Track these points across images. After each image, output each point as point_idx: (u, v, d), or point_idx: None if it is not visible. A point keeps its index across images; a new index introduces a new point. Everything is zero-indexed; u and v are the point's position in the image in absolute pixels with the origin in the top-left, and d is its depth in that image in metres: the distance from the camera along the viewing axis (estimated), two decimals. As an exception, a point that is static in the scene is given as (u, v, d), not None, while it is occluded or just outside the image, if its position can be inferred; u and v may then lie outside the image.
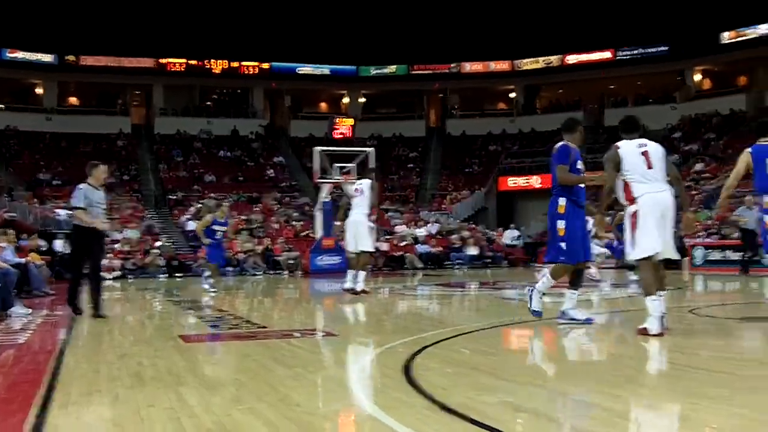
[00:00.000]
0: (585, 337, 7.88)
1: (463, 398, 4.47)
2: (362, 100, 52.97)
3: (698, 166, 37.42)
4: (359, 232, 14.43)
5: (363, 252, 14.49)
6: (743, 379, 5.30)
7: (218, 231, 17.63)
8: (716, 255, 24.18)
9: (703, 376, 5.44)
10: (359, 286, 14.27)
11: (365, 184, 14.78)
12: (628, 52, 48.80)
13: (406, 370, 5.52)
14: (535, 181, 45.09)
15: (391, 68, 51.68)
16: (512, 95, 53.20)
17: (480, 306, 13.44)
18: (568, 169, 8.33)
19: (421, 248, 31.83)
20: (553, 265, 8.40)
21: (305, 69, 50.93)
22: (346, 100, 53.09)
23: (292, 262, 28.81)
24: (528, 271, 27.56)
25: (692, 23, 44.36)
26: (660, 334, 7.07)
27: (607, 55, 49.28)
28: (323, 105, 54.37)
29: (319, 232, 28.16)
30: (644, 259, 7.40)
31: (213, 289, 16.74)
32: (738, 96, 45.38)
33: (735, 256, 22.27)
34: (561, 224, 8.34)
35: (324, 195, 27.94)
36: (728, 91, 46.42)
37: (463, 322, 9.33)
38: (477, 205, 43.46)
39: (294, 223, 35.50)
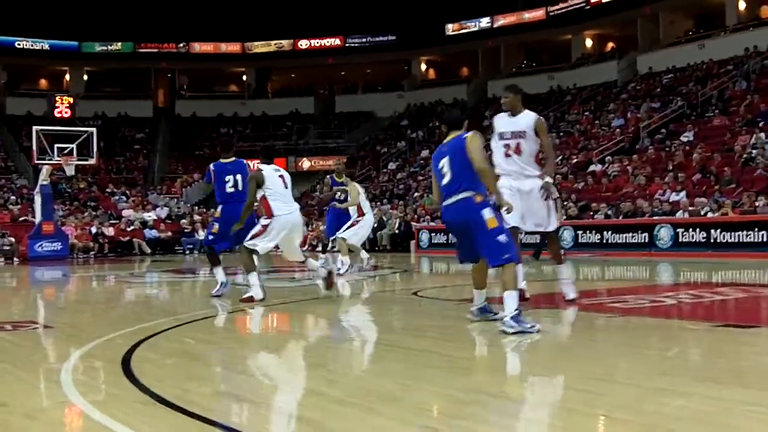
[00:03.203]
0: (313, 322, 8.06)
1: (179, 390, 4.45)
2: (85, 77, 50.67)
3: (424, 153, 39.19)
4: None
5: None
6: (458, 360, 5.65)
7: None
8: (441, 238, 25.22)
9: (424, 357, 5.73)
10: None
11: None
12: (357, 40, 50.14)
13: (124, 362, 5.40)
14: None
15: (117, 45, 49.78)
16: (244, 78, 53.02)
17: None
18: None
19: (149, 233, 31.03)
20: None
21: (23, 43, 47.88)
22: (67, 77, 50.55)
23: (8, 248, 27.11)
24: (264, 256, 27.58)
25: (419, 14, 46.27)
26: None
27: (337, 42, 50.34)
28: (43, 82, 51.44)
29: (38, 217, 26.65)
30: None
31: None
32: (461, 86, 48.01)
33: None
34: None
35: (43, 177, 26.44)
36: (452, 81, 49.04)
37: (191, 310, 9.22)
38: (209, 189, 42.98)
39: (10, 206, 33.40)
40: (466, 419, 3.79)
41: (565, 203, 22.52)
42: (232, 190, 10.16)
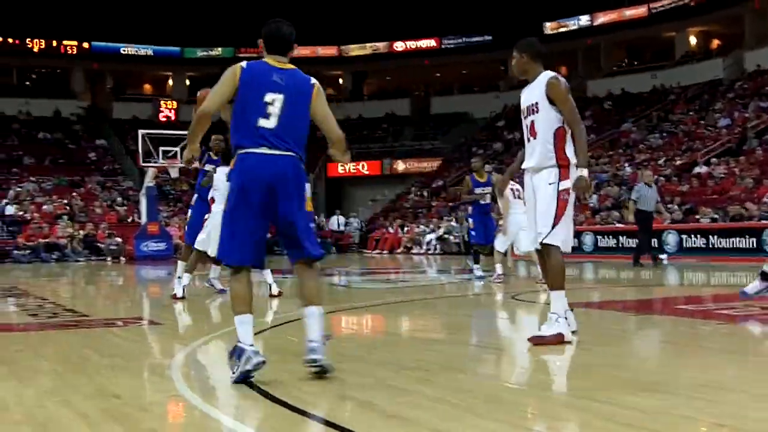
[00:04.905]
0: (408, 325, 8.06)
1: (284, 386, 4.50)
2: (187, 82, 51.89)
3: (521, 154, 38.87)
4: None
5: None
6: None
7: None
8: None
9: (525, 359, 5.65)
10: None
11: None
12: (453, 41, 50.05)
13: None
14: (363, 168, 45.64)
15: (218, 50, 50.86)
16: (340, 81, 53.47)
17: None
18: None
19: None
20: None
21: (128, 49, 49.36)
22: (170, 82, 51.87)
23: (115, 247, 27.97)
24: (356, 257, 27.82)
25: (516, 14, 45.92)
26: None
27: (432, 43, 50.35)
28: (147, 87, 52.92)
29: (144, 218, 27.44)
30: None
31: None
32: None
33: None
34: None
35: (149, 179, 27.25)
36: (549, 81, 48.30)
37: (291, 309, 9.33)
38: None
39: (117, 208, 34.45)
40: (570, 423, 3.73)
41: (668, 206, 22.00)
42: None
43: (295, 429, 3.73)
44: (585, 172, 5.82)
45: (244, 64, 4.89)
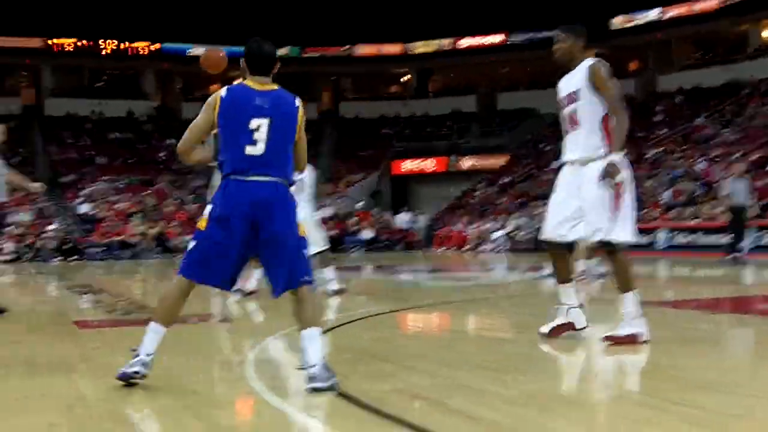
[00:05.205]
0: (477, 323, 8.05)
1: (357, 385, 4.53)
2: (254, 82, 52.34)
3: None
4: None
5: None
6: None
7: None
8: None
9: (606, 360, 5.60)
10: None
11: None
12: (520, 37, 49.57)
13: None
14: (428, 165, 45.58)
15: (284, 50, 51.23)
16: (405, 78, 53.48)
17: (376, 290, 13.52)
18: None
19: (315, 231, 31.82)
20: None
21: (197, 50, 50.03)
22: (237, 82, 52.37)
23: (185, 245, 28.43)
24: (422, 255, 27.83)
25: (583, 8, 45.35)
26: None
27: (499, 39, 49.98)
28: (215, 87, 53.38)
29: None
30: None
31: None
32: (628, 81, 46.66)
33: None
34: None
35: (217, 178, 27.61)
36: (619, 76, 47.38)
37: (359, 308, 9.40)
38: (371, 189, 43.65)
39: (188, 206, 35.02)
40: (647, 425, 3.70)
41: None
42: None
43: (367, 427, 3.76)
44: (617, 158, 5.43)
45: (223, 92, 4.83)
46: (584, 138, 5.60)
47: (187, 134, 4.81)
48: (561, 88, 5.86)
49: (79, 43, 47.67)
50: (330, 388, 4.29)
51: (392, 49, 51.76)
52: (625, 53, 48.40)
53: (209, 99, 4.80)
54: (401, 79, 53.58)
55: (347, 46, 51.22)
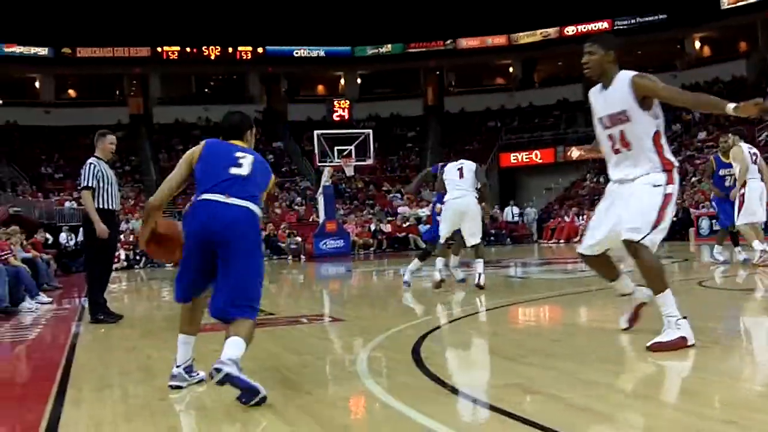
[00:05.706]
0: (590, 315, 7.90)
1: (469, 380, 4.50)
2: (359, 81, 52.81)
3: (701, 135, 37.32)
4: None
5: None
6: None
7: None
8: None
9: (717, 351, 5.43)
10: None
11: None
12: (626, 22, 48.49)
13: (415, 353, 5.56)
14: (536, 156, 45.05)
15: (387, 47, 51.49)
16: (510, 70, 52.97)
17: (487, 285, 13.38)
18: None
19: (424, 228, 31.84)
20: None
21: (301, 51, 50.77)
22: (342, 81, 52.94)
23: (295, 246, 28.83)
24: (532, 248, 27.48)
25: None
26: None
27: (604, 25, 48.95)
28: (320, 87, 54.18)
29: (321, 216, 28.16)
30: None
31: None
32: (739, 62, 45.12)
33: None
34: None
35: (325, 179, 27.93)
36: (729, 57, 46.06)
37: (469, 303, 9.35)
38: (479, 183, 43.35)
39: (296, 207, 35.52)
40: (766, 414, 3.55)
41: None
42: None
43: (480, 421, 3.72)
44: (731, 104, 5.00)
45: (203, 143, 4.95)
46: (636, 158, 5.41)
47: (164, 186, 5.01)
48: (598, 107, 5.61)
49: (184, 51, 48.92)
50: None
51: (497, 40, 51.30)
52: (736, 33, 46.82)
53: (185, 154, 4.99)
54: (508, 71, 53.06)
55: (450, 40, 51.07)
